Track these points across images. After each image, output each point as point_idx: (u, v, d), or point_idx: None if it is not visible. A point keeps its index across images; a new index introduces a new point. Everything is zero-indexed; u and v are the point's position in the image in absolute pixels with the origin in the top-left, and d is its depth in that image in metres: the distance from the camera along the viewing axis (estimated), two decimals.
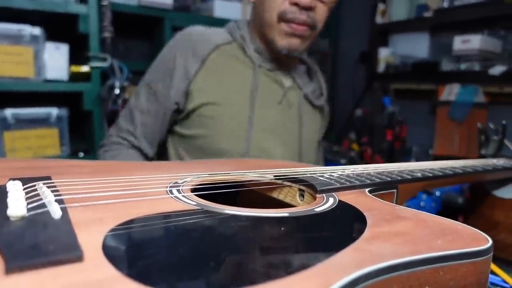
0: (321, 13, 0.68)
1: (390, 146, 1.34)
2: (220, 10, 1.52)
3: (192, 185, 0.34)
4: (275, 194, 0.42)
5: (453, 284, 0.22)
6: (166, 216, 0.26)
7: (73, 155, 1.32)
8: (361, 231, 0.25)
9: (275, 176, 0.40)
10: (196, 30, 0.75)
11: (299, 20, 0.66)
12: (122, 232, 0.22)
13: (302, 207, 0.30)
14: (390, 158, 1.35)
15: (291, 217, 0.27)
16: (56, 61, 1.24)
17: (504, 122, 0.69)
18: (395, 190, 0.41)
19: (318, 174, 0.40)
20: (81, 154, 1.33)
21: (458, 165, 0.54)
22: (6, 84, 1.12)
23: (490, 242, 0.25)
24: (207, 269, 0.20)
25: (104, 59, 1.27)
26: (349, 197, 0.34)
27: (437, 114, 1.52)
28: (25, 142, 1.24)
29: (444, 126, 1.51)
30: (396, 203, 0.42)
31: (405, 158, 1.43)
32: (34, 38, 1.17)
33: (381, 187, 0.39)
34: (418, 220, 0.28)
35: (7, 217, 0.21)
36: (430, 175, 0.45)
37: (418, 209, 0.31)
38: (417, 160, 1.51)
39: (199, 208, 0.27)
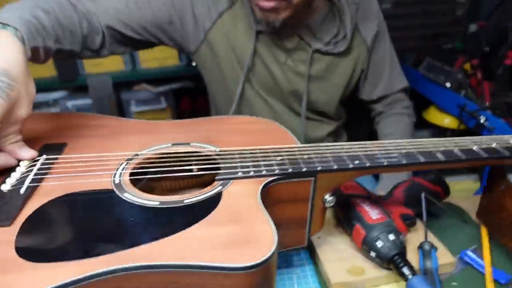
0: None
1: (509, 71, 1.11)
2: None
3: (136, 163, 0.48)
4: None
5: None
6: (87, 193, 0.42)
7: (189, 64, 1.56)
8: (184, 227, 0.36)
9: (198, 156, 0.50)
10: None
11: None
12: (48, 205, 0.40)
13: (181, 195, 0.41)
14: (504, 87, 1.13)
15: (155, 207, 0.40)
16: None
17: None
18: (312, 178, 0.46)
19: (249, 156, 0.48)
20: (194, 63, 1.56)
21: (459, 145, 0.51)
22: None
23: (256, 262, 0.32)
24: (83, 233, 0.36)
25: None
26: (237, 187, 0.43)
27: None
28: (152, 54, 1.52)
29: None
30: (315, 190, 0.47)
31: None
32: None
33: (284, 177, 0.45)
34: (240, 227, 0.37)
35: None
36: (367, 164, 0.47)
37: None
38: None
39: (111, 188, 0.42)
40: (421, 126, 1.47)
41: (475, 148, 0.51)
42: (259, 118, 0.61)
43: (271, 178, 0.44)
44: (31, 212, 0.38)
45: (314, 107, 0.87)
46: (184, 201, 0.41)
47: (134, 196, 0.41)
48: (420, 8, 1.73)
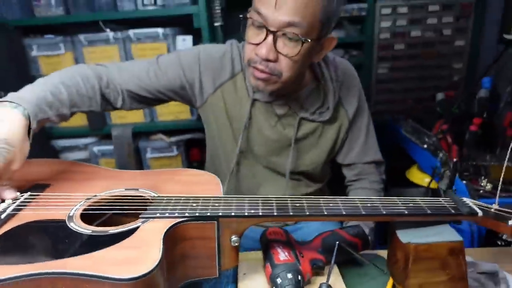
0: (284, 64, 0.78)
1: (474, 137, 1.19)
2: None
3: (92, 202, 0.65)
4: None
5: None
6: (47, 221, 0.58)
7: (199, 119, 1.76)
8: (100, 249, 0.51)
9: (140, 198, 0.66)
10: (218, 57, 0.92)
11: (258, 68, 0.79)
12: (18, 228, 0.56)
13: (112, 227, 0.57)
14: (471, 151, 1.20)
15: (87, 234, 0.55)
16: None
17: (455, 159, 0.66)
18: (215, 222, 0.60)
19: (174, 201, 0.63)
20: None
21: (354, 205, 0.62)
22: None
23: (134, 275, 0.46)
24: (33, 248, 0.52)
25: None
26: (152, 224, 0.57)
27: None
28: (168, 109, 1.76)
29: None
30: (219, 232, 0.60)
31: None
32: (166, 36, 1.60)
33: (191, 220, 0.59)
34: (138, 252, 0.51)
35: None
36: (260, 213, 0.60)
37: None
38: None
39: (64, 219, 0.59)
40: (408, 185, 1.54)
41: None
42: (203, 171, 0.77)
43: (180, 220, 0.58)
44: (4, 231, 0.55)
45: (299, 167, 0.98)
46: (109, 232, 0.56)
47: (77, 226, 0.57)
48: (416, 73, 1.86)
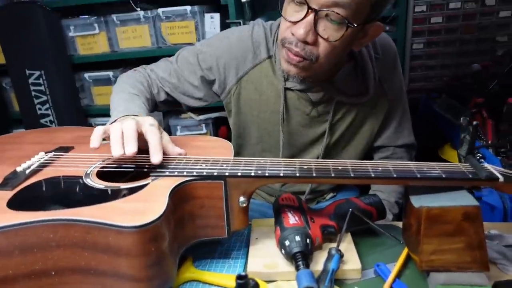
0: (322, 49, 0.71)
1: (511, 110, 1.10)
2: None
3: (110, 161, 0.68)
4: None
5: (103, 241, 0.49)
6: (66, 176, 0.62)
7: None
8: (110, 199, 0.54)
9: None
10: (237, 46, 0.86)
11: (293, 50, 0.72)
12: (39, 182, 0.61)
13: (127, 183, 0.59)
14: (508, 125, 1.12)
15: (101, 189, 0.58)
16: (211, 28, 1.67)
17: (475, 122, 0.63)
18: (222, 181, 0.61)
19: (184, 162, 0.65)
20: None
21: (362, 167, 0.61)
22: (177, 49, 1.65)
23: (136, 224, 0.48)
24: (51, 199, 0.56)
25: (239, 24, 1.60)
26: (162, 182, 0.59)
27: None
28: None
29: None
30: (226, 192, 0.61)
31: None
32: (194, 14, 1.62)
33: (199, 179, 0.60)
34: (145, 204, 0.53)
35: (15, 170, 0.64)
36: (266, 174, 0.60)
37: None
38: None
39: (81, 176, 0.62)
40: None
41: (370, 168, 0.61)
42: (219, 138, 0.77)
43: (188, 178, 0.60)
44: (26, 185, 0.60)
45: (333, 153, 0.93)
46: (120, 187, 0.59)
47: (92, 181, 0.61)
48: (454, 48, 1.76)
